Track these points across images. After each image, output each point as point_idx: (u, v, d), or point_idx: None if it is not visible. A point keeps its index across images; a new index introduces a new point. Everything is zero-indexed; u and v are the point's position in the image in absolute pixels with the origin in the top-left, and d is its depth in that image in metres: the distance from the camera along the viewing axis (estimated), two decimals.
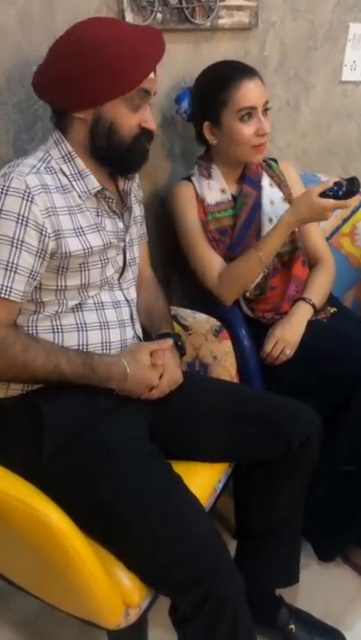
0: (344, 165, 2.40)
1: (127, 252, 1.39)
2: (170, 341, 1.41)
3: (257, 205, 1.73)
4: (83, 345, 1.29)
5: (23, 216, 1.18)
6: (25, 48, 1.40)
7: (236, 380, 1.61)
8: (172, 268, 1.91)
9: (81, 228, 1.27)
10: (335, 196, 1.52)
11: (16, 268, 1.18)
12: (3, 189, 1.18)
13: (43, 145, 1.32)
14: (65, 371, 1.22)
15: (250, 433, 1.38)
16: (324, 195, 1.53)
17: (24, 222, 1.18)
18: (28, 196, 1.18)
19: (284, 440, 1.38)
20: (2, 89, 1.41)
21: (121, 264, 1.39)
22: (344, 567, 1.72)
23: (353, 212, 2.01)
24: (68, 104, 1.26)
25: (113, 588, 1.13)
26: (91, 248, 1.27)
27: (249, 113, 1.59)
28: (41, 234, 1.20)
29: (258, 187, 1.74)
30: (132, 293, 1.43)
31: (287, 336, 1.64)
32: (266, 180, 1.76)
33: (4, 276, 1.18)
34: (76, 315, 1.30)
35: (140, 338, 1.42)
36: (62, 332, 1.28)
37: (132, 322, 1.40)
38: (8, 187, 1.18)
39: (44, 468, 1.18)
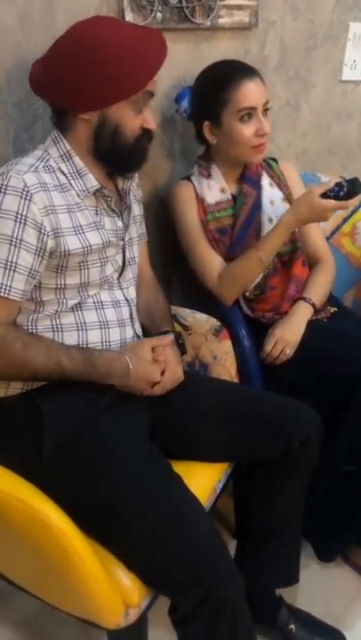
0: (344, 165, 2.39)
1: (126, 251, 1.39)
2: (171, 337, 1.41)
3: (257, 205, 1.73)
4: (82, 344, 1.29)
5: (22, 215, 1.18)
6: (25, 47, 1.40)
7: (236, 379, 1.61)
8: (172, 267, 1.90)
9: (80, 226, 1.26)
10: (336, 197, 1.52)
11: (15, 267, 1.18)
12: (1, 188, 1.18)
13: (41, 144, 1.32)
14: (66, 368, 1.22)
15: (250, 433, 1.38)
16: (325, 195, 1.53)
17: (23, 221, 1.18)
18: (27, 195, 1.18)
19: (285, 440, 1.38)
20: (2, 88, 1.40)
21: (120, 263, 1.38)
22: (344, 567, 1.72)
23: (353, 212, 2.01)
24: (73, 105, 1.26)
25: (113, 588, 1.13)
26: (90, 246, 1.27)
27: (249, 113, 1.59)
28: (40, 232, 1.20)
29: (258, 186, 1.74)
30: (132, 293, 1.43)
31: (287, 336, 1.64)
32: (266, 180, 1.76)
33: (4, 274, 1.18)
34: (76, 314, 1.30)
35: (139, 337, 1.42)
36: (62, 331, 1.28)
37: (132, 321, 1.40)
38: (6, 185, 1.18)
39: (43, 467, 1.18)
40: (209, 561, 1.11)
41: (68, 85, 1.23)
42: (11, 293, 1.19)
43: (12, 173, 1.19)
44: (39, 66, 1.29)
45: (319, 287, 1.77)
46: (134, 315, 1.42)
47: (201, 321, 1.63)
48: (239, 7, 1.82)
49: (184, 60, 1.76)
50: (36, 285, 1.24)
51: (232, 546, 1.49)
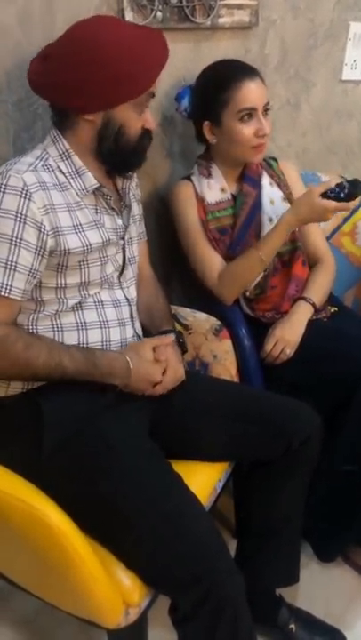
0: (344, 164, 2.40)
1: (127, 251, 1.39)
2: (172, 336, 1.41)
3: (257, 204, 1.72)
4: (83, 344, 1.29)
5: (21, 214, 1.18)
6: (25, 47, 1.40)
7: (236, 379, 1.61)
8: (172, 267, 1.90)
9: (80, 224, 1.26)
10: (337, 198, 1.52)
11: (15, 266, 1.18)
12: (0, 187, 1.18)
13: (40, 143, 1.32)
14: (67, 368, 1.22)
15: (250, 432, 1.38)
16: (325, 195, 1.53)
17: (22, 220, 1.18)
18: (26, 194, 1.18)
19: (285, 439, 1.38)
20: (2, 88, 1.40)
21: (121, 262, 1.38)
22: (344, 567, 1.72)
23: (353, 212, 2.01)
24: (77, 106, 1.26)
25: (113, 588, 1.13)
26: (90, 245, 1.27)
27: (249, 113, 1.59)
28: (39, 231, 1.20)
29: (258, 186, 1.74)
30: (132, 292, 1.43)
31: (287, 335, 1.64)
32: (266, 180, 1.76)
33: (4, 274, 1.18)
34: (76, 313, 1.30)
35: (139, 337, 1.42)
36: (62, 330, 1.28)
37: (132, 321, 1.40)
38: (5, 185, 1.18)
39: (43, 464, 1.18)
40: (209, 560, 1.11)
41: (70, 86, 1.23)
42: (11, 293, 1.19)
43: (12, 173, 1.19)
44: (38, 64, 1.28)
45: (319, 287, 1.76)
46: (135, 314, 1.42)
47: (201, 320, 1.63)
48: (239, 6, 1.81)
49: (184, 59, 1.76)
50: (36, 285, 1.24)
51: (232, 545, 1.49)
